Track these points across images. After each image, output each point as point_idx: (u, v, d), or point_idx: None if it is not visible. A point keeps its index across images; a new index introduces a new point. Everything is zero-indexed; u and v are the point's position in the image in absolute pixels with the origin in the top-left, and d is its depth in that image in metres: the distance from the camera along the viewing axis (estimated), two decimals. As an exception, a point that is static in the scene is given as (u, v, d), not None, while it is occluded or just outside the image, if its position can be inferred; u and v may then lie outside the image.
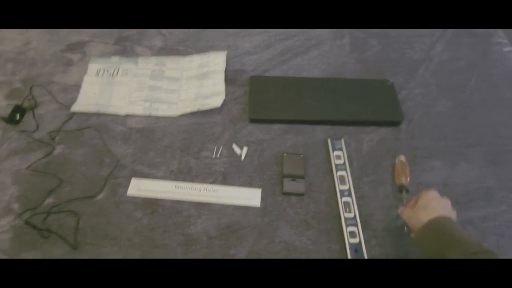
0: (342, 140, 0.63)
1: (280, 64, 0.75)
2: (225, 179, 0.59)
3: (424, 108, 0.70)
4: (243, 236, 0.53)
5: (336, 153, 0.62)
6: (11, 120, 0.62)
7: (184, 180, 0.58)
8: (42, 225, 0.52)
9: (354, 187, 0.58)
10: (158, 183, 0.58)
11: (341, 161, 0.61)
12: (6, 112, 0.62)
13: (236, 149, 0.60)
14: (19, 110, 0.63)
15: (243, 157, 0.60)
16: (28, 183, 0.57)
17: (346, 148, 0.63)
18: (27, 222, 0.49)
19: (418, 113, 0.69)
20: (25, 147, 0.61)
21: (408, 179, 0.57)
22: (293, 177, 0.58)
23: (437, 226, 0.45)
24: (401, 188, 0.57)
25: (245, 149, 0.61)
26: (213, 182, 0.58)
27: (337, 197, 0.57)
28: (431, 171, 0.61)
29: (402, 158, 0.60)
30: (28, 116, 0.65)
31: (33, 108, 0.65)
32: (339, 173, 0.60)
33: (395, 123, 0.66)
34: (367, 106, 0.67)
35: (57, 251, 0.50)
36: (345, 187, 0.58)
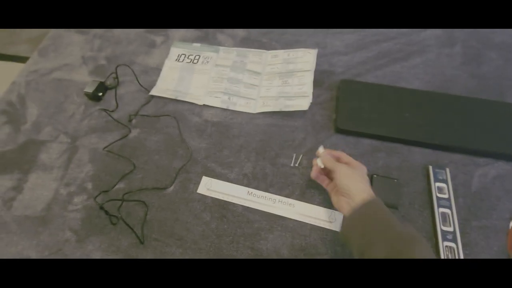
0: (447, 170, 0.53)
1: (374, 69, 0.66)
2: (303, 194, 0.52)
3: (558, 144, 0.55)
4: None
5: (438, 184, 0.52)
6: (94, 97, 0.62)
7: (257, 187, 0.53)
8: (114, 211, 0.50)
9: (460, 231, 0.48)
10: (230, 186, 0.53)
11: (445, 196, 0.50)
12: (90, 89, 0.62)
13: (320, 164, 0.52)
14: (102, 88, 0.63)
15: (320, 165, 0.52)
16: (103, 163, 0.56)
17: (452, 180, 0.52)
18: (101, 207, 0.48)
19: (549, 149, 0.55)
20: (104, 126, 0.60)
21: None
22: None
23: (377, 208, 0.41)
24: None
25: (321, 148, 0.52)
26: (289, 195, 0.52)
27: (436, 239, 0.47)
28: None
29: None
30: (109, 95, 0.65)
31: (115, 87, 0.64)
32: (441, 210, 0.49)
33: (518, 159, 0.53)
34: (482, 132, 0.55)
35: (124, 241, 0.48)
36: (449, 229, 0.48)
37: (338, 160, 0.49)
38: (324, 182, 0.50)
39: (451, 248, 0.46)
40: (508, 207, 0.50)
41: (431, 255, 0.37)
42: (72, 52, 0.72)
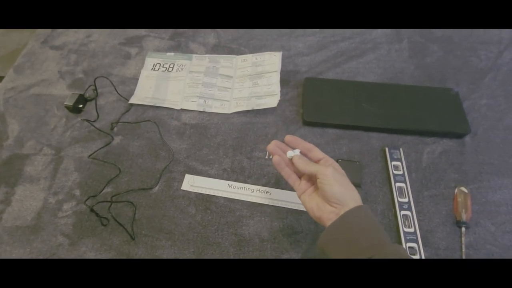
0: (401, 150, 0.60)
1: (334, 66, 0.73)
2: (278, 182, 0.58)
3: (491, 120, 0.65)
4: (296, 241, 0.52)
5: (394, 163, 0.59)
6: (74, 109, 0.65)
7: (237, 179, 0.58)
8: (103, 213, 0.53)
9: (413, 201, 0.55)
10: (211, 181, 0.58)
11: (400, 172, 0.58)
12: (70, 101, 0.64)
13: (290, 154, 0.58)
14: (82, 99, 0.66)
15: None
16: (89, 171, 0.59)
17: (405, 158, 0.60)
18: (91, 210, 0.51)
19: (484, 125, 0.64)
20: (87, 135, 0.63)
21: (470, 214, 0.53)
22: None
23: (363, 217, 0.38)
24: (459, 224, 0.52)
25: (297, 151, 0.51)
26: (265, 184, 0.57)
27: (394, 210, 0.54)
28: (498, 189, 0.56)
29: (464, 189, 0.56)
30: (89, 106, 0.67)
31: (94, 98, 0.67)
32: (398, 184, 0.57)
33: (459, 135, 0.62)
34: (428, 115, 0.63)
35: (116, 240, 0.52)
36: (404, 200, 0.55)
37: (309, 154, 0.44)
38: (290, 177, 0.45)
39: (407, 216, 0.54)
40: (453, 177, 0.58)
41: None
42: (48, 67, 0.74)
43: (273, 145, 0.46)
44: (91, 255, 0.51)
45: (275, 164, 0.45)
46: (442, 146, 0.62)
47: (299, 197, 0.44)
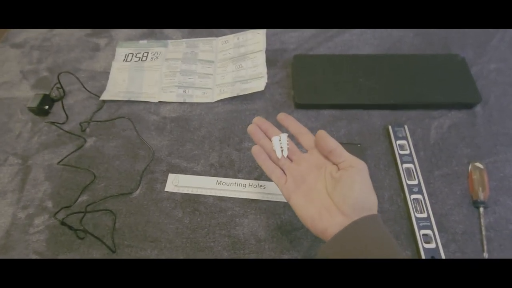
0: (406, 127, 0.54)
1: (325, 41, 0.66)
2: (272, 174, 0.52)
3: (503, 86, 0.58)
4: (296, 238, 0.47)
5: (399, 142, 0.53)
6: (40, 111, 0.58)
7: (226, 175, 0.52)
8: (78, 225, 0.47)
9: (424, 182, 0.49)
10: (198, 179, 0.52)
11: (406, 151, 0.52)
12: (34, 103, 0.58)
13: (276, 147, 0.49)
14: (48, 100, 0.59)
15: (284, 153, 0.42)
16: (61, 179, 0.53)
17: (411, 136, 0.54)
18: (62, 223, 0.45)
19: (495, 92, 0.58)
20: (56, 140, 0.57)
21: (488, 192, 0.47)
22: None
23: (373, 228, 0.29)
24: (476, 204, 0.47)
25: (283, 136, 0.40)
26: (258, 177, 0.52)
27: (404, 194, 0.49)
28: (516, 162, 0.51)
29: (479, 164, 0.50)
30: (57, 106, 0.61)
31: (61, 98, 0.60)
32: (405, 165, 0.51)
33: (469, 105, 0.56)
34: (433, 86, 0.57)
35: (96, 253, 0.46)
36: (414, 182, 0.50)
37: (299, 138, 0.38)
38: (274, 173, 0.37)
39: (418, 200, 0.48)
40: (465, 152, 0.52)
41: None
42: (9, 68, 0.67)
43: (254, 126, 0.38)
44: (68, 273, 0.45)
45: (254, 154, 0.37)
46: (451, 119, 0.55)
47: (288, 200, 0.35)
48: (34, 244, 0.48)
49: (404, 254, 0.32)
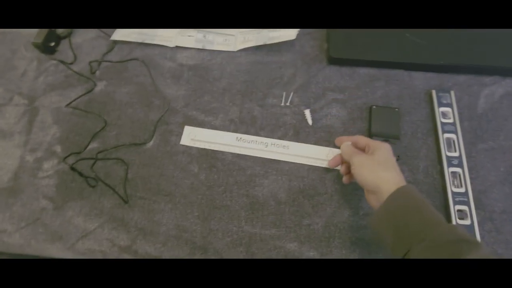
0: (452, 93, 0.48)
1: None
2: (297, 134, 0.47)
3: None
4: (319, 204, 0.44)
5: (443, 109, 0.47)
6: (45, 48, 0.53)
7: (247, 131, 0.48)
8: (89, 172, 0.45)
9: (465, 155, 0.45)
10: (216, 133, 0.48)
11: (450, 120, 0.47)
12: (39, 38, 0.52)
13: (308, 116, 0.48)
14: (54, 36, 0.54)
15: (310, 122, 0.48)
16: (69, 123, 0.49)
17: (456, 103, 0.48)
18: (72, 168, 0.43)
19: (560, 61, 0.50)
20: (63, 81, 0.52)
21: None
22: (385, 137, 0.45)
23: (407, 199, 0.34)
24: None
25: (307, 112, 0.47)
26: (282, 137, 0.47)
27: (441, 166, 0.44)
28: None
29: None
30: (64, 45, 0.55)
31: (68, 35, 0.55)
32: (446, 135, 0.46)
33: (528, 73, 0.49)
34: (488, 47, 0.49)
35: (107, 203, 0.44)
36: (454, 154, 0.45)
37: (355, 145, 0.42)
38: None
39: (456, 173, 0.44)
40: (516, 125, 0.47)
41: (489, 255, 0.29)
42: (11, -1, 0.60)
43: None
44: (79, 220, 0.44)
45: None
46: (504, 87, 0.49)
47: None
48: (44, 188, 0.46)
49: (441, 217, 0.32)
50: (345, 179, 0.43)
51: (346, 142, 0.43)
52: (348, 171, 0.42)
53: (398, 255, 0.32)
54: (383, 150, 0.38)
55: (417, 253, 0.30)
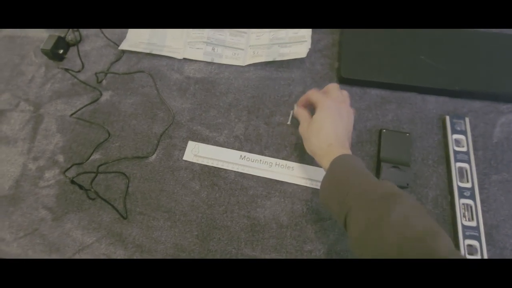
0: (467, 120, 0.46)
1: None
2: (303, 155, 0.46)
3: None
4: (322, 229, 0.42)
5: (456, 136, 0.46)
6: (54, 55, 0.53)
7: (251, 150, 0.47)
8: (89, 185, 0.44)
9: (478, 186, 0.43)
10: (220, 150, 0.47)
11: (463, 149, 0.45)
12: (48, 45, 0.52)
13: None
14: (63, 43, 0.53)
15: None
16: (73, 132, 0.49)
17: (471, 131, 0.46)
18: (72, 181, 0.42)
19: None
20: (70, 89, 0.52)
21: None
22: (394, 163, 0.44)
23: (338, 169, 0.35)
24: None
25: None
26: (287, 157, 0.46)
27: (452, 197, 0.42)
28: None
29: None
30: (72, 52, 0.55)
31: (77, 42, 0.54)
32: (459, 164, 0.44)
33: (548, 102, 0.47)
34: (508, 73, 0.47)
35: (106, 217, 0.44)
36: (467, 185, 0.43)
37: (308, 102, 0.43)
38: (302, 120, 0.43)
39: (468, 206, 0.42)
40: (533, 157, 0.44)
41: (416, 212, 0.30)
42: (24, 3, 0.61)
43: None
44: (77, 233, 0.43)
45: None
46: (522, 116, 0.47)
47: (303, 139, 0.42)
48: (44, 198, 0.45)
49: (381, 181, 0.34)
50: (299, 110, 0.44)
51: (299, 108, 0.43)
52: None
53: (341, 218, 0.33)
54: (321, 111, 0.39)
55: (355, 212, 0.31)
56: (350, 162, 0.35)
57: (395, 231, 0.28)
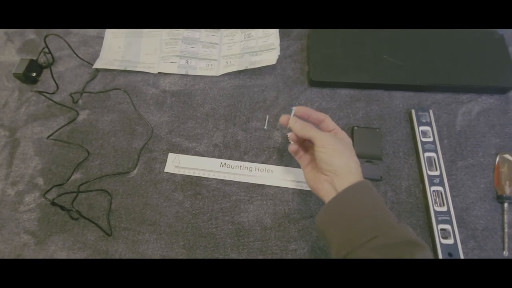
0: (431, 112, 0.49)
1: (346, 9, 0.59)
2: (281, 158, 0.48)
3: (541, 70, 0.53)
4: (305, 227, 0.44)
5: (422, 128, 0.48)
6: (27, 78, 0.53)
7: (231, 157, 0.48)
8: (71, 205, 0.44)
9: (446, 173, 0.45)
10: (200, 160, 0.48)
11: (429, 139, 0.48)
12: (20, 69, 0.52)
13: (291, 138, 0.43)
14: (35, 66, 0.53)
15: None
16: (52, 154, 0.49)
17: (435, 122, 0.49)
18: (53, 203, 0.42)
19: (532, 76, 0.52)
20: (46, 111, 0.52)
21: None
22: (368, 158, 0.46)
23: (365, 194, 0.32)
24: (501, 199, 0.43)
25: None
26: (266, 160, 0.48)
27: (423, 185, 0.45)
28: (549, 155, 0.47)
29: (509, 156, 0.45)
30: (46, 74, 0.55)
31: (50, 64, 0.55)
32: (427, 154, 0.47)
33: (502, 90, 0.50)
34: (464, 66, 0.51)
35: (90, 236, 0.44)
36: (435, 173, 0.46)
37: (320, 124, 0.39)
38: (298, 153, 0.40)
39: (438, 192, 0.44)
40: (494, 142, 0.47)
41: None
42: (-7, 28, 0.60)
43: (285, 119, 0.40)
44: (62, 255, 0.43)
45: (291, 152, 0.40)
46: (481, 104, 0.50)
47: (303, 170, 0.40)
48: (25, 223, 0.45)
49: (394, 218, 0.31)
50: (293, 148, 0.39)
51: (299, 121, 0.38)
52: (299, 142, 0.40)
53: (341, 253, 0.30)
54: (349, 140, 0.37)
55: (362, 253, 0.29)
56: (369, 192, 0.32)
57: None
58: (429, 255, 0.29)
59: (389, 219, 0.31)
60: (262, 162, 0.47)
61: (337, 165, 0.34)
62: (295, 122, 0.38)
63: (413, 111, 0.49)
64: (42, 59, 0.55)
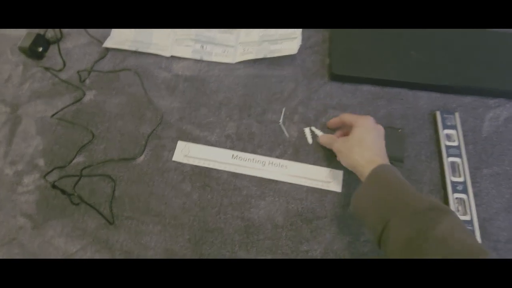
0: (457, 115, 0.47)
1: None
2: (296, 153, 0.45)
3: None
4: (318, 228, 0.41)
5: (447, 131, 0.46)
6: (32, 53, 0.50)
7: (244, 149, 0.45)
8: (72, 189, 0.42)
9: (470, 180, 0.43)
10: (211, 150, 0.45)
11: (454, 143, 0.45)
12: (26, 43, 0.49)
13: (308, 134, 0.47)
14: (42, 41, 0.51)
15: (310, 140, 0.46)
16: (54, 134, 0.46)
17: (461, 125, 0.46)
18: (54, 186, 0.39)
19: None
20: (51, 89, 0.49)
21: None
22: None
23: (381, 179, 0.35)
24: None
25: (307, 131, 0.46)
26: (280, 155, 0.45)
27: (445, 191, 0.43)
28: None
29: None
30: (53, 50, 0.52)
31: (58, 40, 0.52)
32: (451, 159, 0.44)
33: (534, 97, 0.48)
34: (495, 69, 0.48)
35: (91, 223, 0.41)
36: (459, 179, 0.43)
37: (342, 123, 0.43)
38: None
39: (461, 200, 0.42)
40: (521, 150, 0.45)
41: (462, 228, 0.30)
42: (-1, -1, 0.57)
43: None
44: (60, 241, 0.40)
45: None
46: (509, 110, 0.48)
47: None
48: (23, 205, 0.42)
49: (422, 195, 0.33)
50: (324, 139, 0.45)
51: (326, 134, 0.45)
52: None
53: (378, 230, 0.32)
54: (360, 128, 0.39)
55: (394, 224, 0.31)
56: (392, 173, 0.35)
57: (441, 244, 0.28)
58: (456, 220, 0.30)
59: (409, 192, 0.33)
60: (276, 157, 0.45)
61: (349, 166, 0.39)
62: (323, 137, 0.45)
63: (438, 113, 0.47)
64: (49, 34, 0.52)
